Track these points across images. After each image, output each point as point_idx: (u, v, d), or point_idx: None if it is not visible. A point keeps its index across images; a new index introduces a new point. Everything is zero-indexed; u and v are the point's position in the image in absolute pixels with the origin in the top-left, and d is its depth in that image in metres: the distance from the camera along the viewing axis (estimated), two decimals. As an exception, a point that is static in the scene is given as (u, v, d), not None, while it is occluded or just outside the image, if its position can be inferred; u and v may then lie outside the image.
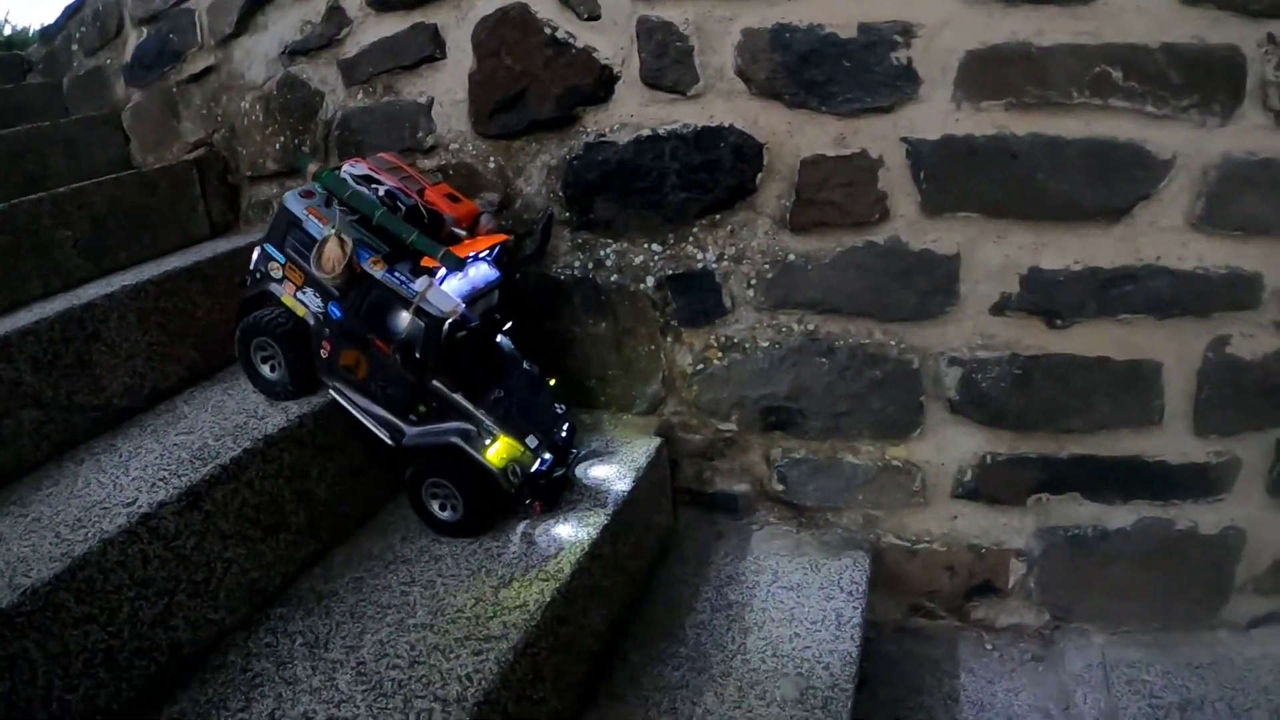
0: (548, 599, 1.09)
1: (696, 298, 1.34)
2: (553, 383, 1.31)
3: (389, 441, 1.21)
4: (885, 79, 1.22)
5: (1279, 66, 1.18)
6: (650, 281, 1.35)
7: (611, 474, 1.31)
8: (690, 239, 1.31)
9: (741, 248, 1.30)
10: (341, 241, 1.15)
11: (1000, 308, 1.28)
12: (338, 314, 1.19)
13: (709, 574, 1.37)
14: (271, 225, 1.23)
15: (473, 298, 1.20)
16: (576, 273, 1.37)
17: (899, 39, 1.20)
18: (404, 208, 1.19)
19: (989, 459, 1.35)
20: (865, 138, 1.23)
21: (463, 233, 1.24)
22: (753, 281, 1.31)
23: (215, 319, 1.42)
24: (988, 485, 1.37)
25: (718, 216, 1.29)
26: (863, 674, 1.36)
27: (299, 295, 1.22)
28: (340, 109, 1.51)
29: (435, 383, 1.17)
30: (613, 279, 1.37)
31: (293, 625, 1.08)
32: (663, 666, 1.21)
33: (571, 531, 1.19)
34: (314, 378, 1.25)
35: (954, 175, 1.23)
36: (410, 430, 1.20)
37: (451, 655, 1.01)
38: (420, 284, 1.15)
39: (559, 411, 1.29)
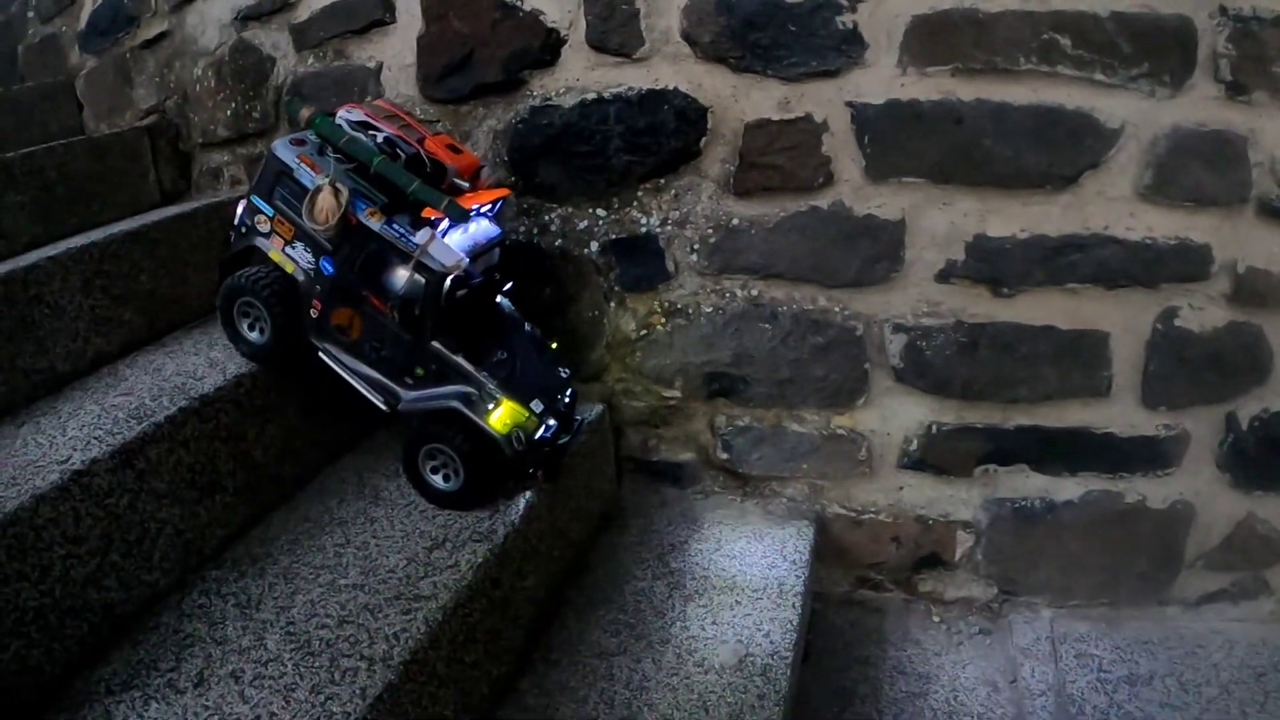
0: (479, 560, 1.10)
1: (640, 263, 1.34)
2: (555, 346, 1.27)
3: (383, 407, 1.17)
4: (831, 43, 1.22)
5: (1231, 39, 1.18)
6: (594, 247, 1.36)
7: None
8: (634, 203, 1.31)
9: (685, 212, 1.30)
10: (336, 190, 1.09)
11: (946, 275, 1.29)
12: (330, 270, 1.14)
13: (652, 542, 1.38)
14: (259, 175, 1.17)
15: (474, 254, 1.16)
16: (521, 238, 1.37)
17: (845, 3, 1.21)
18: (404, 156, 1.13)
19: (935, 429, 1.36)
20: (810, 102, 1.23)
21: (465, 184, 1.19)
22: (696, 246, 1.31)
23: (160, 284, 1.42)
24: (934, 455, 1.38)
25: (662, 181, 1.30)
26: (808, 645, 1.37)
27: (288, 250, 1.16)
28: (291, 74, 1.51)
29: (435, 344, 1.13)
30: (557, 244, 1.37)
31: (226, 587, 1.09)
32: (601, 633, 1.22)
33: (508, 495, 1.19)
34: (302, 340, 1.20)
35: (899, 140, 1.23)
36: (407, 395, 1.16)
37: (380, 615, 1.02)
38: (422, 236, 1.09)
39: (563, 376, 1.24)
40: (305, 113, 1.15)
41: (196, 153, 1.67)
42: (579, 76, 1.30)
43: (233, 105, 1.58)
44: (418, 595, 1.05)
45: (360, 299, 1.13)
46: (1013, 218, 1.25)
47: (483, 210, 1.18)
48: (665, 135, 1.27)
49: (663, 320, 1.37)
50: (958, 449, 1.36)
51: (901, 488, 1.40)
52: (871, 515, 1.42)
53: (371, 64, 1.44)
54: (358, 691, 0.91)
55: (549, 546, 1.24)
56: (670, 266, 1.34)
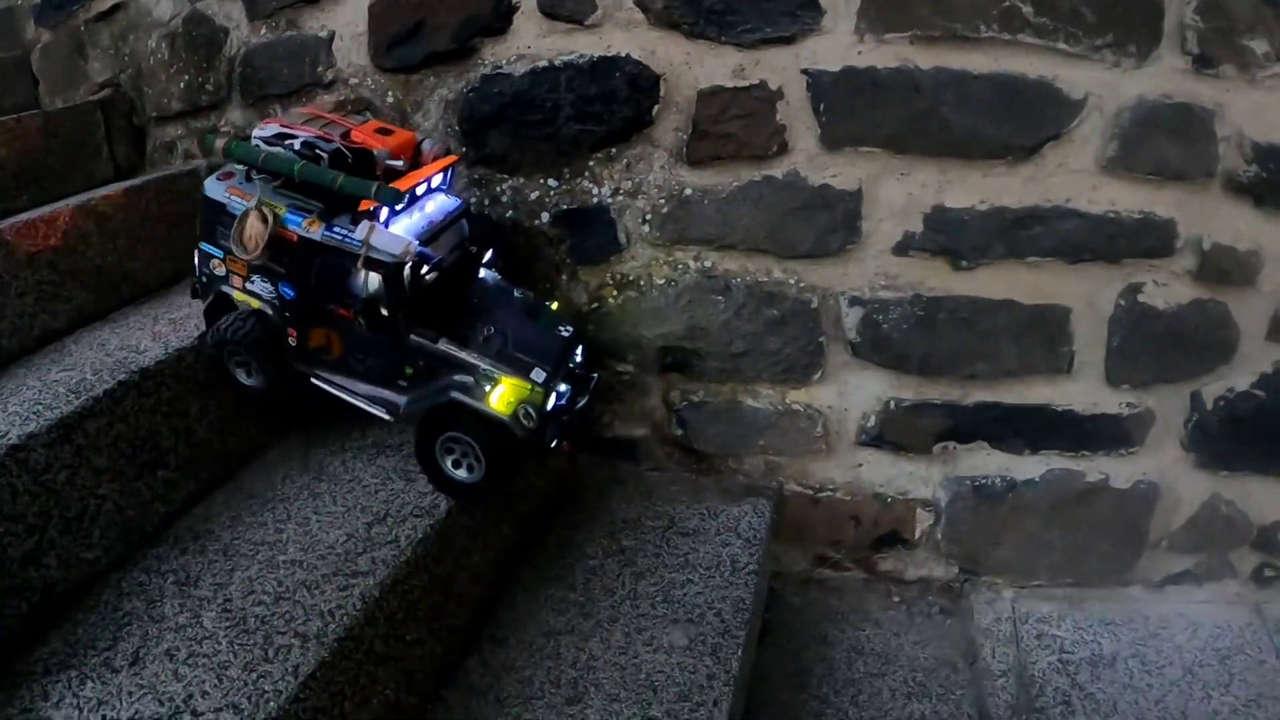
0: (419, 536, 1.08)
1: (591, 234, 1.31)
2: (555, 306, 1.22)
3: (387, 417, 1.13)
4: (787, 9, 1.19)
5: (1199, 10, 1.15)
6: (545, 218, 1.32)
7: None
8: (586, 173, 1.28)
9: (638, 182, 1.27)
10: (262, 213, 1.06)
11: (904, 247, 1.26)
12: (290, 293, 1.10)
13: (604, 519, 1.35)
14: (200, 221, 1.13)
15: (433, 233, 1.11)
16: (472, 209, 1.33)
17: (801, -33, 1.17)
18: (325, 155, 1.08)
19: (893, 405, 1.34)
20: (765, 69, 1.20)
21: (398, 164, 1.14)
22: (648, 217, 1.28)
23: (108, 260, 1.39)
24: (892, 432, 1.35)
25: (613, 150, 1.26)
26: (765, 624, 1.35)
27: (248, 287, 1.13)
28: (244, 45, 1.48)
29: (413, 338, 1.07)
30: (508, 215, 1.34)
31: (166, 564, 1.07)
32: (550, 611, 1.20)
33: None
34: (291, 372, 1.15)
35: (855, 108, 1.20)
36: (403, 399, 1.11)
37: (317, 591, 1.01)
38: (360, 230, 1.04)
39: (564, 334, 1.16)
40: (219, 143, 1.11)
41: (151, 127, 1.64)
42: (530, 44, 1.26)
43: (186, 77, 1.55)
44: (356, 571, 1.03)
45: (328, 314, 1.09)
46: (972, 189, 1.22)
47: (433, 185, 1.14)
48: (616, 103, 1.24)
49: (614, 293, 1.34)
50: (916, 426, 1.34)
51: (860, 465, 1.38)
52: (829, 493, 1.40)
53: (324, 33, 1.40)
54: (290, 669, 0.89)
55: (496, 523, 1.22)
56: (622, 238, 1.31)
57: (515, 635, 1.17)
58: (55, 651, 0.93)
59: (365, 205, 1.05)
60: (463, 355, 1.06)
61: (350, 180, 1.04)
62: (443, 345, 1.07)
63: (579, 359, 1.17)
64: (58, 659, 0.92)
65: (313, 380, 1.15)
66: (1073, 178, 1.22)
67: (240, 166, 1.11)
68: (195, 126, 1.57)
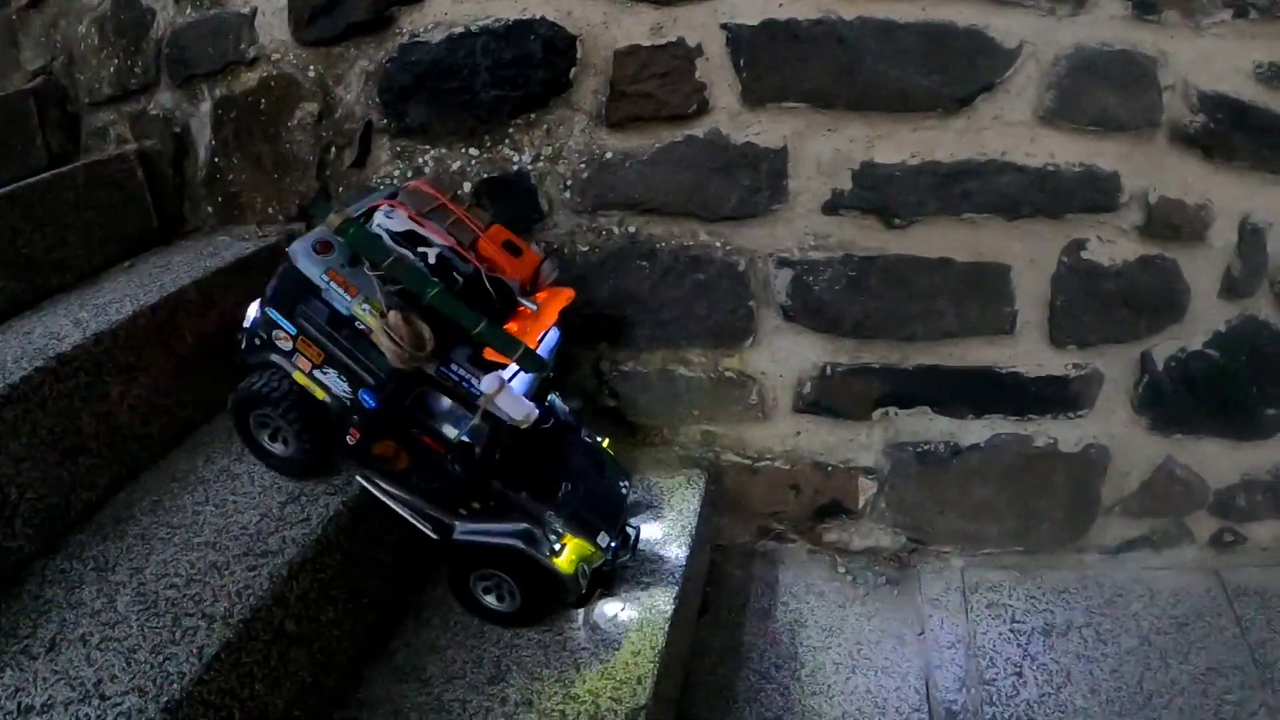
0: (331, 513, 1.05)
1: (513, 202, 1.27)
2: (606, 443, 1.18)
3: (432, 535, 1.05)
4: (704, -38, 1.13)
5: (1137, -47, 1.09)
6: (467, 188, 1.28)
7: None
8: (506, 140, 1.24)
9: (558, 147, 1.23)
10: (408, 319, 0.91)
11: (833, 205, 1.21)
12: (372, 404, 0.99)
13: (535, 495, 1.30)
14: (275, 286, 1.01)
15: (539, 387, 1.03)
16: (396, 182, 1.29)
17: (716, -84, 1.12)
18: (461, 279, 0.96)
19: (829, 370, 1.29)
20: (683, 25, 1.15)
21: (531, 305, 1.03)
22: (569, 183, 1.24)
23: (37, 249, 1.35)
24: (829, 398, 1.31)
25: (533, 116, 1.22)
26: (705, 598, 1.31)
27: (317, 374, 1.00)
28: (170, 26, 1.44)
29: (495, 483, 1.01)
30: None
31: (88, 550, 1.05)
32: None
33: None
34: (335, 462, 1.06)
35: (776, 63, 1.15)
36: (461, 525, 1.04)
37: (227, 572, 0.99)
38: (488, 385, 0.93)
39: (624, 490, 1.14)
40: (335, 219, 0.96)
41: (84, 113, 1.60)
42: (447, 10, 1.22)
43: (116, 62, 1.51)
44: (265, 551, 1.00)
45: (408, 436, 0.99)
46: (902, 144, 1.17)
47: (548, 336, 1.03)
48: (533, 67, 1.19)
49: (539, 263, 1.29)
50: (854, 390, 1.29)
51: (798, 433, 1.33)
52: (768, 462, 1.36)
53: (246, 9, 1.36)
54: (194, 651, 0.87)
55: (418, 500, 1.18)
56: (544, 205, 1.26)
57: (439, 614, 1.14)
58: (-24, 641, 0.92)
59: (492, 354, 0.95)
60: (541, 510, 1.01)
61: (492, 330, 0.93)
62: (524, 496, 1.01)
63: (632, 521, 1.14)
64: (-22, 648, 0.91)
65: (358, 478, 1.05)
66: (1009, 130, 1.17)
67: (341, 241, 0.97)
68: (126, 111, 1.53)
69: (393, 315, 0.92)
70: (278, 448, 1.07)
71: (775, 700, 1.20)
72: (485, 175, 1.25)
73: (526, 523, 1.02)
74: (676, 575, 1.16)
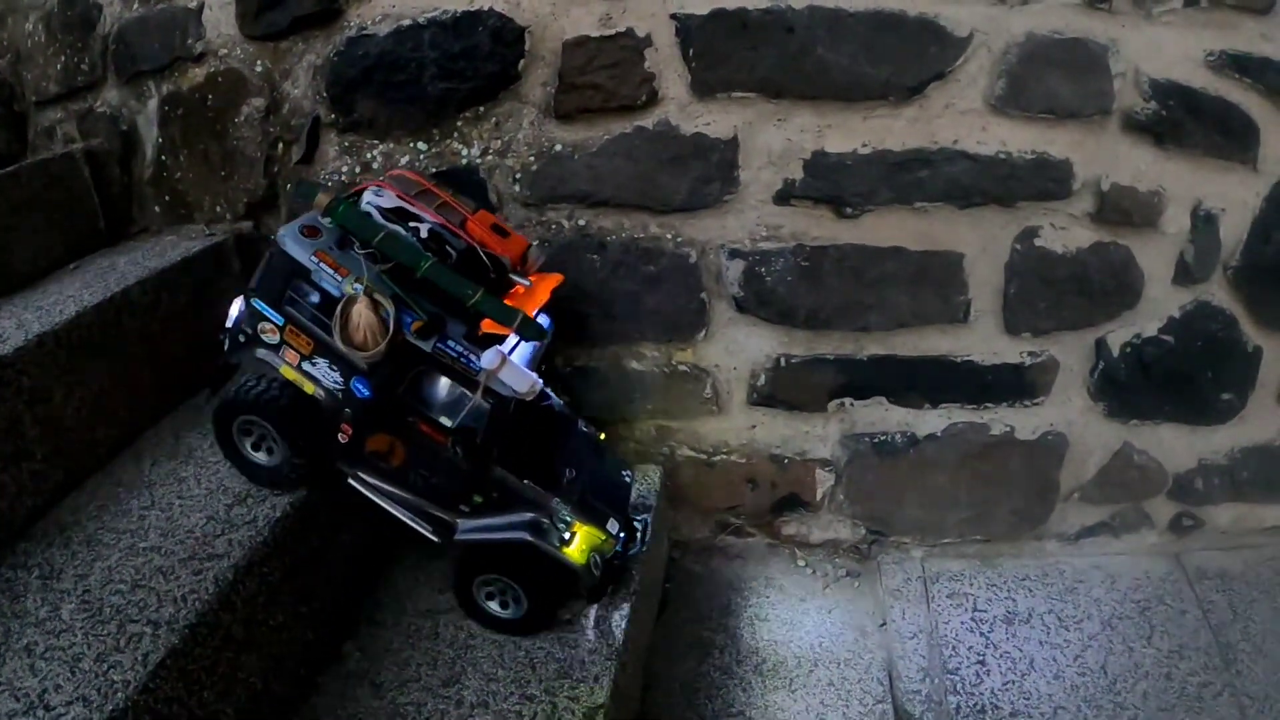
0: (278, 515, 1.03)
1: (461, 197, 1.22)
2: (603, 436, 1.16)
3: (432, 538, 1.02)
4: (651, -49, 1.11)
5: (1088, -60, 1.08)
6: (416, 183, 1.25)
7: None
8: (455, 134, 1.21)
9: (507, 140, 1.21)
10: (376, 303, 0.88)
11: (784, 195, 1.20)
12: (366, 393, 0.94)
13: (490, 494, 1.28)
14: (262, 273, 0.96)
15: (537, 361, 1.00)
16: (344, 178, 1.27)
17: (661, -96, 1.10)
18: (454, 253, 0.93)
19: (783, 361, 1.28)
20: (632, 15, 1.14)
21: (523, 280, 1.00)
22: (518, 176, 1.22)
23: (-21, 248, 1.31)
24: (784, 390, 1.30)
25: (481, 109, 1.20)
26: (665, 595, 1.30)
27: (306, 367, 0.96)
28: (117, 21, 1.41)
29: (499, 470, 0.97)
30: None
31: (32, 558, 1.03)
32: (429, 590, 1.16)
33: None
34: (326, 466, 1.01)
35: (726, 52, 1.14)
36: (463, 524, 1.01)
37: (172, 577, 0.97)
38: (488, 359, 0.89)
39: (628, 479, 1.12)
40: (323, 198, 0.93)
41: (31, 112, 1.57)
42: (395, 3, 1.19)
43: (63, 59, 1.48)
44: (211, 554, 0.98)
45: (405, 425, 0.96)
46: (853, 133, 1.16)
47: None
48: (481, 59, 1.17)
49: (489, 259, 1.27)
50: (809, 382, 1.28)
51: (754, 426, 1.32)
52: (724, 456, 1.35)
53: (193, 3, 1.33)
54: (139, 658, 0.85)
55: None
56: (493, 198, 1.24)
57: (394, 616, 1.13)
58: (-79, 656, 0.89)
59: (490, 327, 0.92)
60: (547, 498, 0.98)
61: (488, 300, 0.91)
62: (529, 483, 0.98)
63: (635, 510, 1.11)
64: (-78, 664, 0.88)
65: (350, 481, 1.01)
66: (960, 118, 1.16)
67: (330, 225, 0.94)
68: (73, 109, 1.50)
69: (360, 300, 0.88)
70: (261, 456, 1.02)
71: (738, 695, 1.19)
72: (434, 169, 1.23)
73: (532, 513, 0.99)
74: (632, 572, 1.14)
